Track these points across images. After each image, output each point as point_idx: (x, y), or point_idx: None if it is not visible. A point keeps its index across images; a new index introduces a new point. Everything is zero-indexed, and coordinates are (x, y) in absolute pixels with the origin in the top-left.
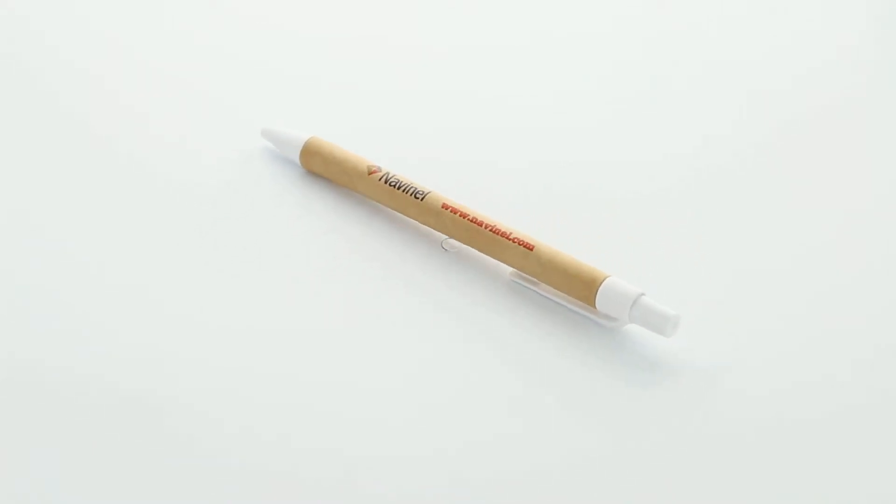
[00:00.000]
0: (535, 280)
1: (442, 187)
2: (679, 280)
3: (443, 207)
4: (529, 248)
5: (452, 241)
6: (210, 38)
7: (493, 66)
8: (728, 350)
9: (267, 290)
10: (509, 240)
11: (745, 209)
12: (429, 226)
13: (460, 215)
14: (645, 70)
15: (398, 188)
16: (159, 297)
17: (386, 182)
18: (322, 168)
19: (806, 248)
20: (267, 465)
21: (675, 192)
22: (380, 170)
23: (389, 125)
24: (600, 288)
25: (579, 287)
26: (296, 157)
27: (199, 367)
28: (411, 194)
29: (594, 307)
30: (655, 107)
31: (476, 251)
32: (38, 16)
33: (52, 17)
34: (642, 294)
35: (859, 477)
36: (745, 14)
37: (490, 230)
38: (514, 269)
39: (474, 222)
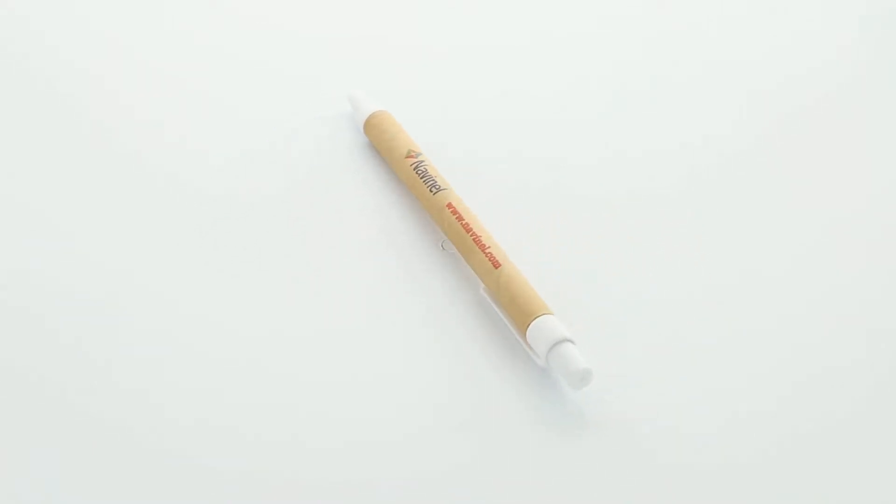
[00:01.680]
0: (497, 301)
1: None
2: (677, 279)
3: (446, 206)
4: (496, 265)
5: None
6: (210, 38)
7: (491, 65)
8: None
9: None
10: (484, 252)
11: (745, 209)
12: (434, 221)
13: (457, 217)
14: (645, 70)
15: (421, 177)
16: (160, 295)
17: (414, 169)
18: (377, 141)
19: (805, 248)
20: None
21: (675, 191)
22: (417, 156)
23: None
24: (531, 324)
25: (519, 318)
26: (362, 125)
27: (199, 366)
28: (428, 186)
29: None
30: (655, 106)
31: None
32: (38, 16)
33: (52, 17)
34: (565, 340)
35: None
36: (745, 14)
37: (473, 239)
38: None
39: (464, 227)
